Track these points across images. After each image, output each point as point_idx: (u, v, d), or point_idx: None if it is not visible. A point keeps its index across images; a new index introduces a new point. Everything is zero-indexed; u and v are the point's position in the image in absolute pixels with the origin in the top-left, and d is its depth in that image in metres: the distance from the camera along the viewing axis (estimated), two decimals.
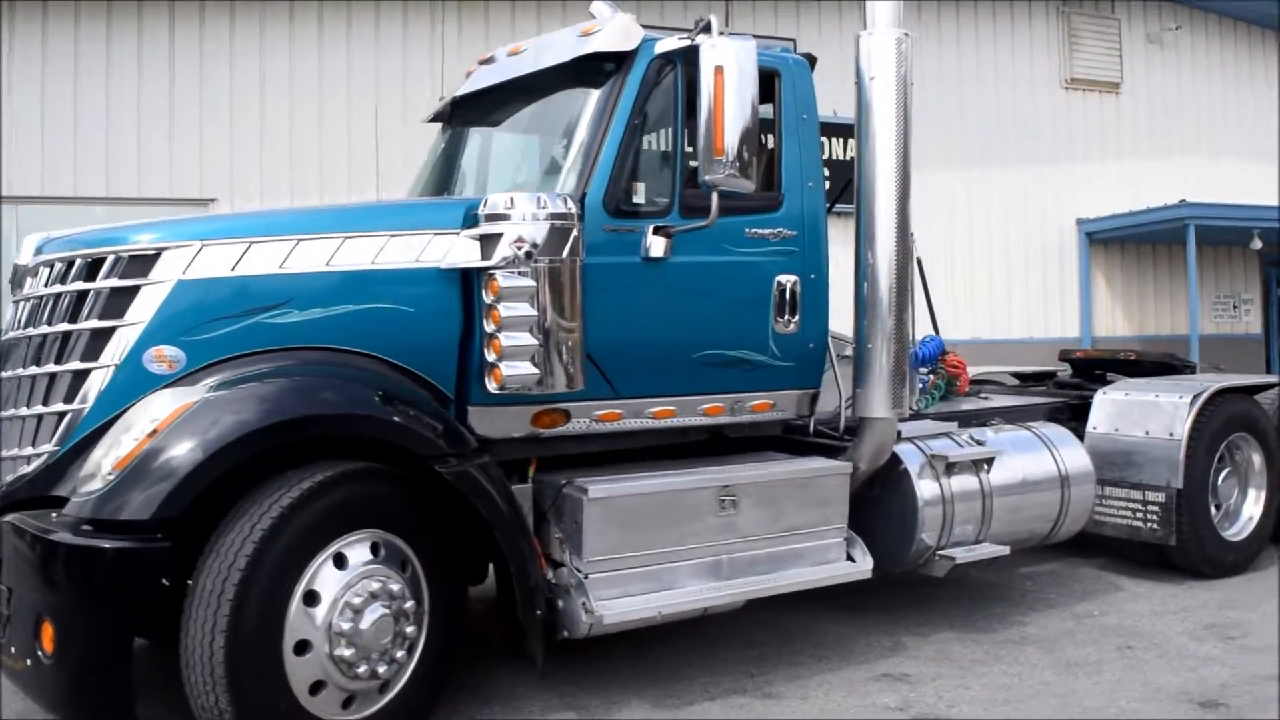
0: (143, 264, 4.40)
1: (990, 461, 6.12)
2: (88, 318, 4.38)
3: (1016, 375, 9.08)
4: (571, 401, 4.93)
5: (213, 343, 4.39)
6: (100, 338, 4.36)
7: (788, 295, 5.43)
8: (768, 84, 5.50)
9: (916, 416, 6.62)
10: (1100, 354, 8.87)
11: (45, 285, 4.54)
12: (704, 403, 5.32)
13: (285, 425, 4.08)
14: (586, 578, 4.80)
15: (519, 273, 4.54)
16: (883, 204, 5.61)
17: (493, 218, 4.60)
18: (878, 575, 6.08)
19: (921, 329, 8.34)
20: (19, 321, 4.66)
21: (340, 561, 4.21)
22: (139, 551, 3.84)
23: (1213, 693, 5.14)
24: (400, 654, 4.33)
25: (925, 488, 5.86)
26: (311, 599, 4.11)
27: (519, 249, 4.53)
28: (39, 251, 4.65)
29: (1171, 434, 7.03)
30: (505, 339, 4.53)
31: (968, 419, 6.81)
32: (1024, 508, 6.29)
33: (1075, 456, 6.60)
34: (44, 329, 4.48)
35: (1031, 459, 6.41)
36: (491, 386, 4.59)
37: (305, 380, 4.28)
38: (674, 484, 5.08)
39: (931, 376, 7.24)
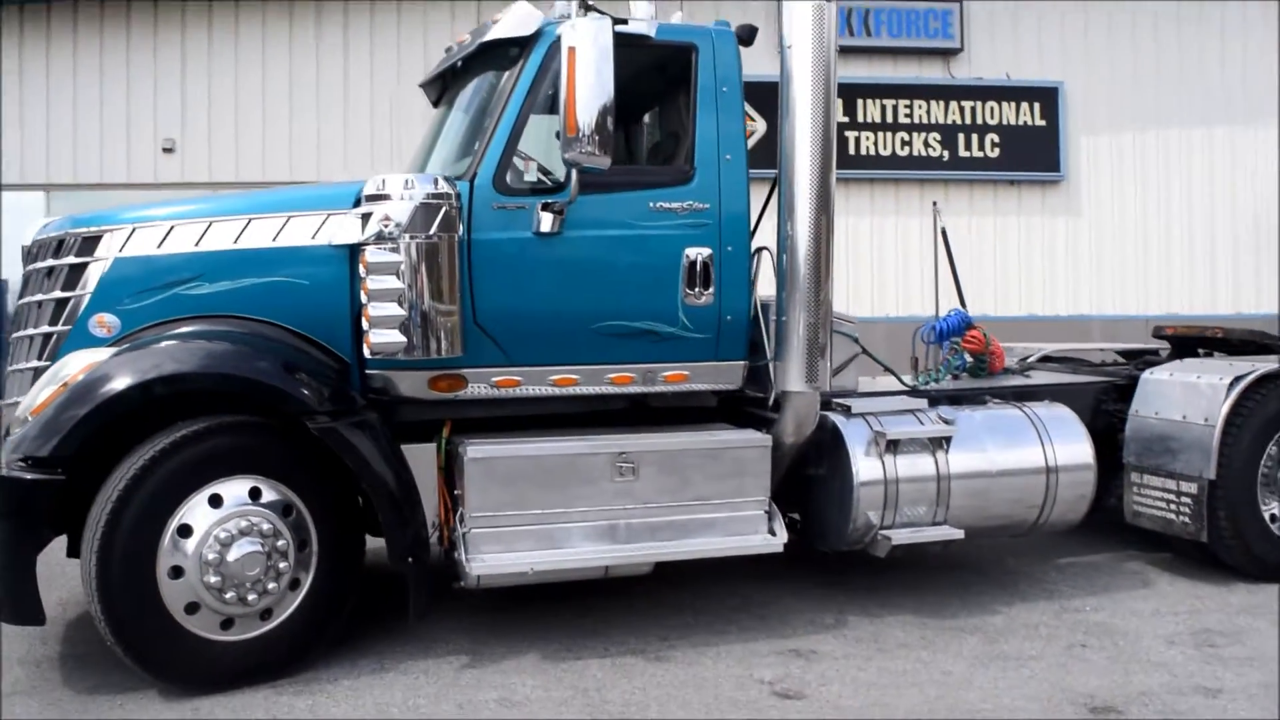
0: (90, 244, 5.21)
1: (947, 441, 5.89)
2: (53, 289, 5.25)
3: (1120, 352, 8.45)
4: (466, 368, 5.31)
5: (142, 311, 5.13)
6: (61, 306, 5.21)
7: (698, 268, 5.50)
8: (683, 58, 5.60)
9: (916, 393, 6.49)
10: (1189, 330, 8.07)
11: (36, 262, 5.45)
12: (610, 372, 5.51)
13: (157, 381, 4.73)
14: (469, 532, 5.17)
15: (387, 249, 4.96)
16: (801, 175, 5.54)
17: (371, 198, 5.04)
18: (828, 552, 6.08)
19: (949, 302, 8.07)
20: (24, 292, 5.60)
21: (215, 501, 4.81)
22: (34, 482, 4.61)
23: (1123, 701, 4.78)
24: (274, 586, 4.88)
25: (864, 465, 5.75)
26: (185, 531, 4.74)
27: (385, 226, 4.95)
28: (38, 234, 5.57)
29: (1206, 419, 6.41)
30: (373, 309, 4.97)
31: (969, 397, 6.56)
32: (993, 491, 6.00)
33: (1069, 442, 6.19)
34: (35, 297, 5.38)
35: (1008, 442, 6.09)
36: (366, 353, 5.05)
37: (190, 344, 4.91)
38: (561, 448, 5.33)
39: (946, 351, 7.00)
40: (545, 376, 5.44)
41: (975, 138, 13.54)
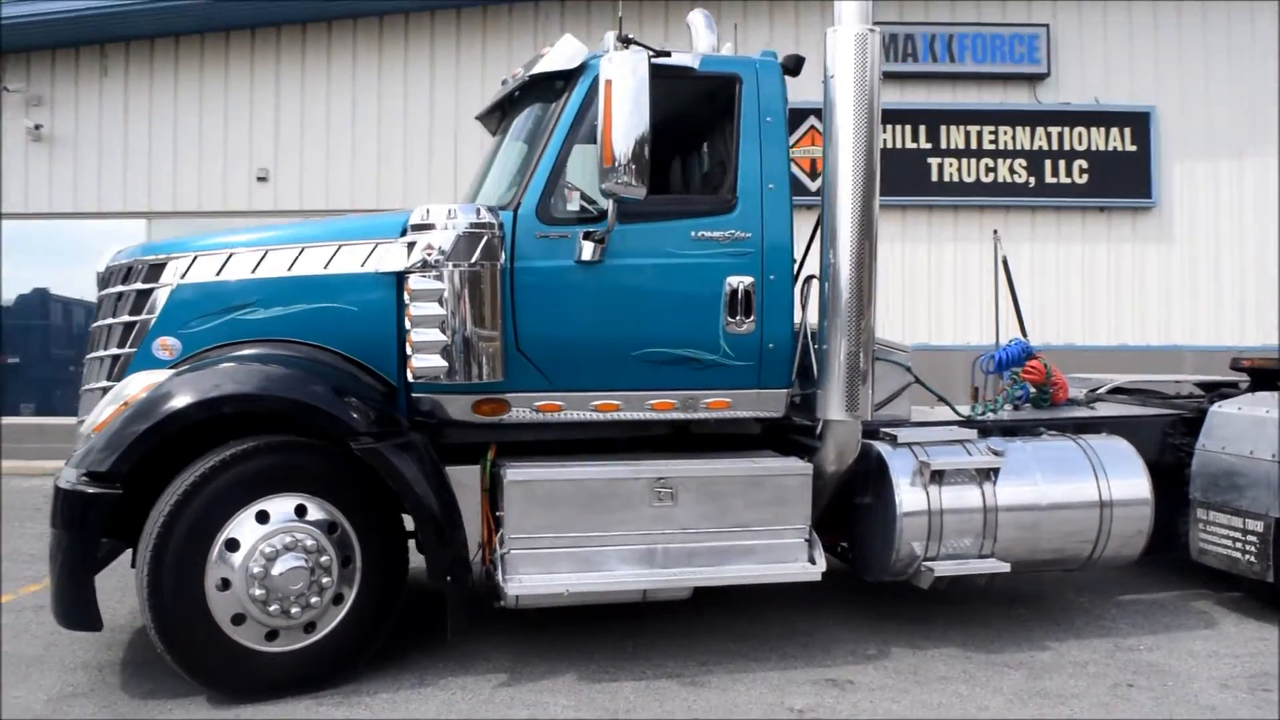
0: (156, 271, 5.50)
1: (994, 473, 5.81)
2: (122, 313, 5.55)
3: (1199, 384, 8.19)
4: (508, 393, 5.44)
5: (201, 335, 5.39)
6: (129, 329, 5.51)
7: (740, 296, 5.54)
8: (727, 89, 5.67)
9: (969, 423, 6.42)
10: (1266, 361, 7.77)
11: (108, 287, 5.76)
12: (651, 398, 5.58)
13: (209, 402, 4.95)
14: (508, 553, 5.28)
15: (431, 276, 5.12)
16: (844, 203, 5.52)
17: (417, 227, 5.22)
18: (872, 581, 6.04)
19: (1010, 332, 7.96)
20: (97, 315, 5.93)
21: (263, 517, 5.02)
22: (93, 496, 4.87)
23: None
24: (316, 600, 5.06)
25: (908, 496, 5.71)
26: (233, 545, 4.95)
27: (429, 254, 5.12)
28: (111, 261, 5.89)
29: (1273, 455, 6.20)
30: (416, 334, 5.14)
31: (1024, 428, 6.45)
32: (1043, 525, 5.88)
33: (1124, 476, 6.04)
34: (106, 321, 5.70)
35: (1060, 475, 5.97)
36: (409, 377, 5.22)
37: (242, 367, 5.13)
38: (600, 473, 5.42)
39: (1006, 381, 6.90)
40: (587, 402, 5.54)
41: (1063, 164, 13.28)
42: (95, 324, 5.80)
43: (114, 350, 5.54)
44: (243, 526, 4.99)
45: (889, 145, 13.16)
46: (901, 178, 13.21)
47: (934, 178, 13.25)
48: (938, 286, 13.43)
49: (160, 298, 5.46)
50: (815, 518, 5.85)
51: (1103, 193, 13.26)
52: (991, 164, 13.27)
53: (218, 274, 5.44)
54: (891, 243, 13.36)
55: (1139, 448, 6.75)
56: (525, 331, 5.40)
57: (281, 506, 5.06)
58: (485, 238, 5.16)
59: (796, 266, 6.09)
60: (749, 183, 5.62)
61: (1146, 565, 7.50)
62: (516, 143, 5.88)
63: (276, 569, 4.97)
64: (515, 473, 5.32)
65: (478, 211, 5.20)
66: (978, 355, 7.34)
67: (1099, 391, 7.87)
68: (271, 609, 4.98)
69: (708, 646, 5.86)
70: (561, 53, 5.53)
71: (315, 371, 5.23)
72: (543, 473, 5.36)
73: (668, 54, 5.52)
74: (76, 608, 4.93)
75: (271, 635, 5.05)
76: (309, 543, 5.06)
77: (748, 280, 5.57)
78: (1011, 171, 13.29)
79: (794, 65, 5.87)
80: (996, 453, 5.92)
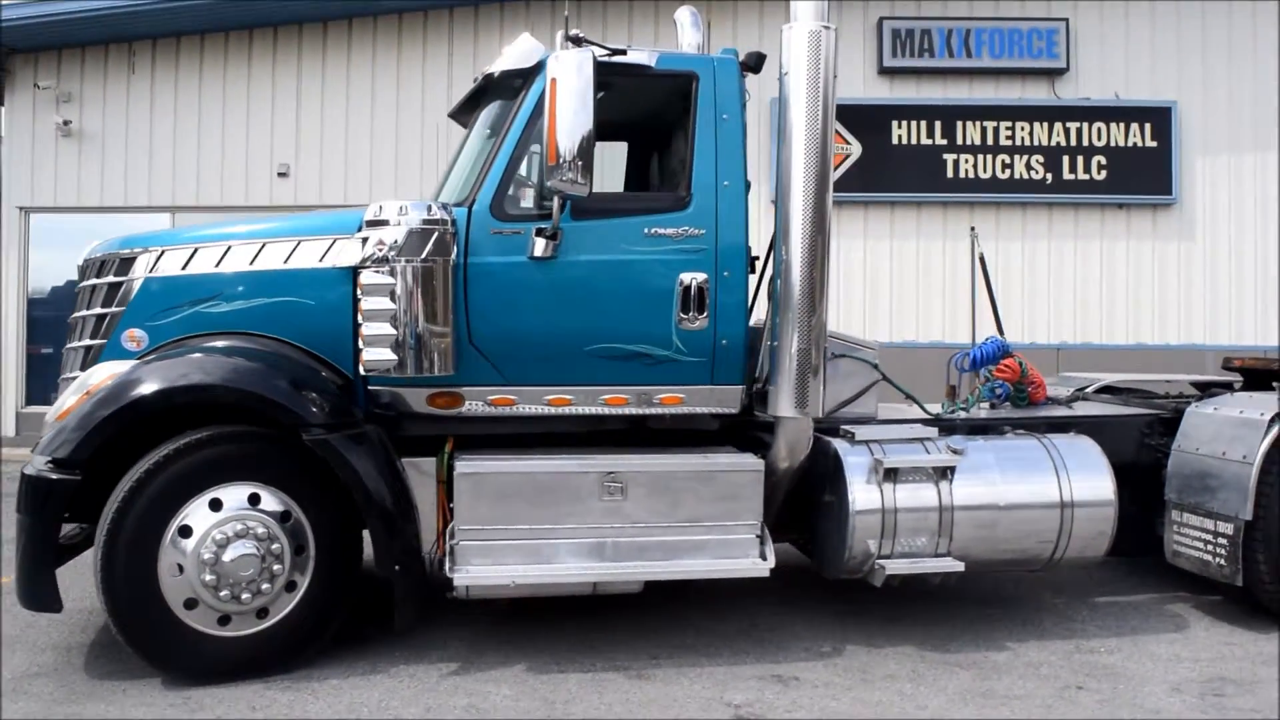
0: (127, 265, 5.66)
1: (951, 471, 5.79)
2: (95, 305, 5.73)
3: (1195, 384, 8.08)
4: (462, 386, 5.53)
5: (167, 327, 5.55)
6: (101, 321, 5.68)
7: (693, 293, 5.58)
8: (684, 87, 5.70)
9: (937, 421, 6.41)
10: (1258, 362, 7.63)
11: (83, 280, 5.94)
12: (604, 393, 5.63)
13: (163, 393, 5.09)
14: (458, 544, 5.38)
15: (382, 271, 5.22)
16: (796, 199, 5.52)
17: (371, 223, 5.32)
18: (832, 579, 6.04)
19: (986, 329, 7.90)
20: (75, 306, 6.10)
21: (216, 505, 5.15)
22: (54, 481, 5.04)
23: None
24: (267, 586, 5.18)
25: (861, 494, 5.71)
26: (185, 532, 5.09)
27: (379, 249, 5.22)
28: (88, 254, 6.07)
29: (1244, 456, 6.11)
30: (367, 328, 5.24)
31: (992, 427, 6.42)
32: (1001, 524, 5.84)
33: (1087, 476, 5.98)
34: (82, 312, 5.87)
35: (1021, 474, 5.93)
36: (362, 369, 5.33)
37: (197, 360, 5.26)
38: (550, 466, 5.48)
39: (980, 380, 6.86)
40: (540, 396, 5.60)
41: (1081, 160, 13.11)
42: (73, 315, 5.98)
43: (87, 341, 5.72)
44: (196, 514, 5.12)
45: (905, 141, 13.09)
46: (917, 174, 13.14)
47: (949, 174, 13.13)
48: (953, 284, 13.30)
49: (129, 290, 5.62)
50: (773, 514, 5.89)
51: (1122, 189, 13.07)
52: (1008, 160, 13.14)
53: (183, 268, 5.59)
54: (905, 239, 13.31)
55: (1116, 448, 6.71)
56: (478, 326, 5.48)
57: (235, 495, 5.19)
58: (436, 234, 5.25)
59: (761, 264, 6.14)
60: (704, 180, 5.64)
61: (1129, 567, 7.48)
62: (477, 140, 5.95)
63: (227, 555, 5.10)
64: (465, 465, 5.40)
65: (429, 208, 5.29)
66: (952, 354, 7.28)
67: (1086, 391, 7.80)
68: (222, 594, 5.12)
69: (664, 640, 5.91)
70: (518, 51, 5.61)
71: (270, 363, 5.35)
72: (492, 465, 5.45)
73: (623, 52, 5.58)
74: (36, 590, 5.10)
75: (224, 620, 5.18)
76: (260, 530, 5.18)
77: (701, 277, 5.59)
78: (1029, 168, 13.14)
79: (755, 62, 5.88)
80: (956, 451, 5.89)
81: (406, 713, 4.90)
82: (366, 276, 5.25)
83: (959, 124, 13.14)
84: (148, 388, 5.09)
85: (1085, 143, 13.10)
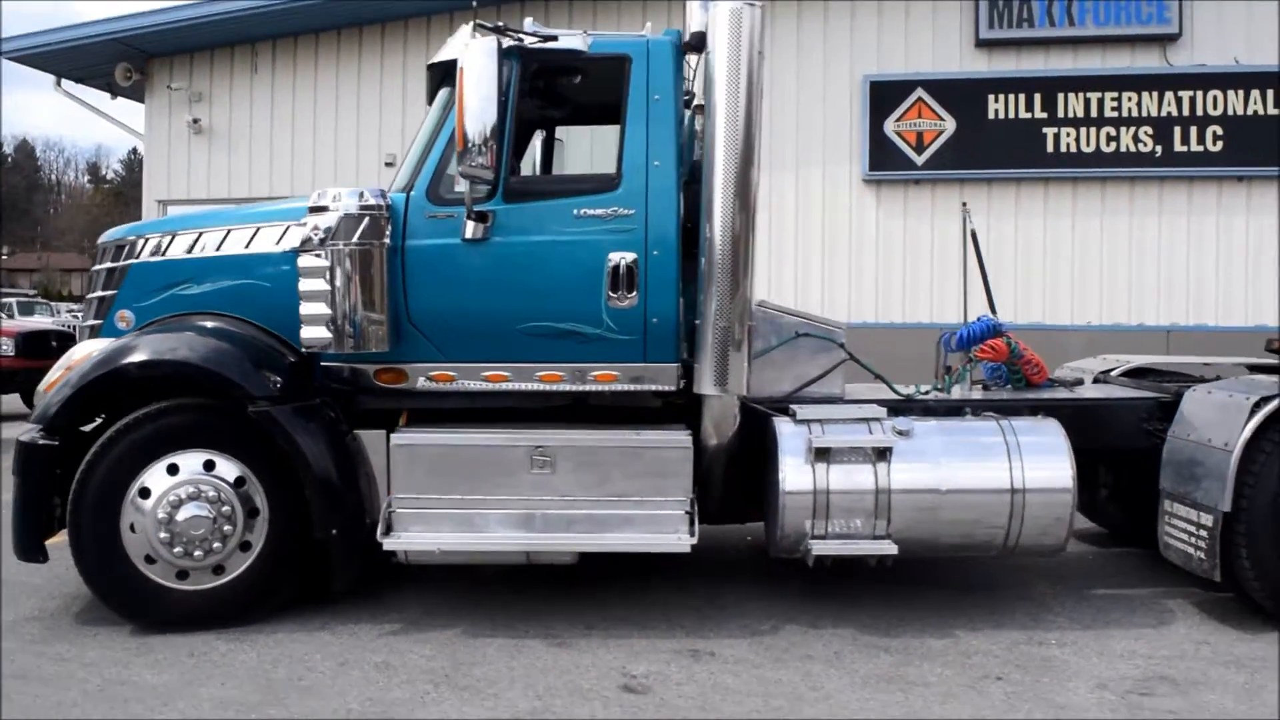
0: (121, 251, 6.24)
1: (889, 453, 5.68)
2: (98, 288, 6.34)
3: (1251, 369, 7.55)
4: (404, 363, 5.83)
5: (149, 308, 6.09)
6: (102, 303, 6.29)
7: (623, 272, 5.67)
8: (618, 69, 5.79)
9: (909, 402, 6.31)
10: None
11: (95, 265, 6.57)
12: (540, 370, 5.80)
13: (124, 367, 5.61)
14: (394, 512, 5.70)
15: (318, 254, 5.58)
16: (720, 177, 5.52)
17: (313, 209, 5.67)
18: (774, 557, 6.03)
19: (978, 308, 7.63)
20: (88, 289, 6.74)
21: (173, 469, 5.63)
22: (38, 446, 5.64)
23: None
24: (219, 545, 5.62)
25: (792, 473, 5.68)
26: (145, 493, 5.60)
27: (315, 234, 5.57)
28: (100, 240, 6.69)
29: (1226, 444, 5.72)
30: (304, 308, 5.61)
31: (957, 409, 6.24)
32: (944, 509, 5.69)
33: (1043, 461, 5.75)
34: (92, 294, 6.50)
35: (968, 458, 5.75)
36: (302, 346, 5.70)
37: (159, 337, 5.75)
38: (480, 439, 5.72)
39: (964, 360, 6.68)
40: (478, 373, 5.83)
41: (1194, 130, 12.27)
42: (87, 296, 6.61)
43: (93, 321, 6.33)
44: (154, 477, 5.62)
45: (1000, 116, 12.58)
46: (1015, 150, 12.63)
47: (1049, 149, 12.54)
48: (1054, 263, 12.72)
49: (122, 275, 6.19)
50: (718, 492, 5.98)
51: (1240, 161, 12.15)
52: (1114, 133, 12.43)
53: (163, 254, 6.11)
54: (1003, 219, 12.81)
55: (1115, 433, 6.45)
56: (416, 305, 5.75)
57: (191, 461, 5.66)
58: (368, 218, 5.56)
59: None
60: (634, 160, 5.72)
61: (1154, 559, 7.07)
62: (424, 128, 6.21)
63: (180, 515, 5.58)
64: (400, 437, 5.71)
65: (361, 194, 5.59)
66: (943, 333, 7.06)
67: (1110, 373, 7.43)
68: (176, 551, 5.60)
69: (610, 612, 6.05)
70: (454, 42, 5.83)
71: (225, 341, 5.78)
72: (426, 438, 5.73)
73: (554, 38, 5.73)
74: (25, 542, 5.72)
75: (182, 575, 5.67)
76: (211, 493, 5.63)
77: (630, 256, 5.68)
78: (1136, 140, 12.40)
79: (698, 43, 5.89)
80: (901, 433, 5.77)
81: (321, 665, 5.24)
82: (304, 260, 5.61)
83: (1060, 96, 12.51)
84: (105, 366, 5.63)
85: (1200, 112, 12.24)
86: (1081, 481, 7.55)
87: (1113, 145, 12.43)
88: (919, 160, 12.79)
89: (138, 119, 14.72)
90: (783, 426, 5.84)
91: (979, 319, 6.83)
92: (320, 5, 13.42)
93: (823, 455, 5.67)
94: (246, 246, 5.98)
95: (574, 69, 5.90)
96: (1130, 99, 12.37)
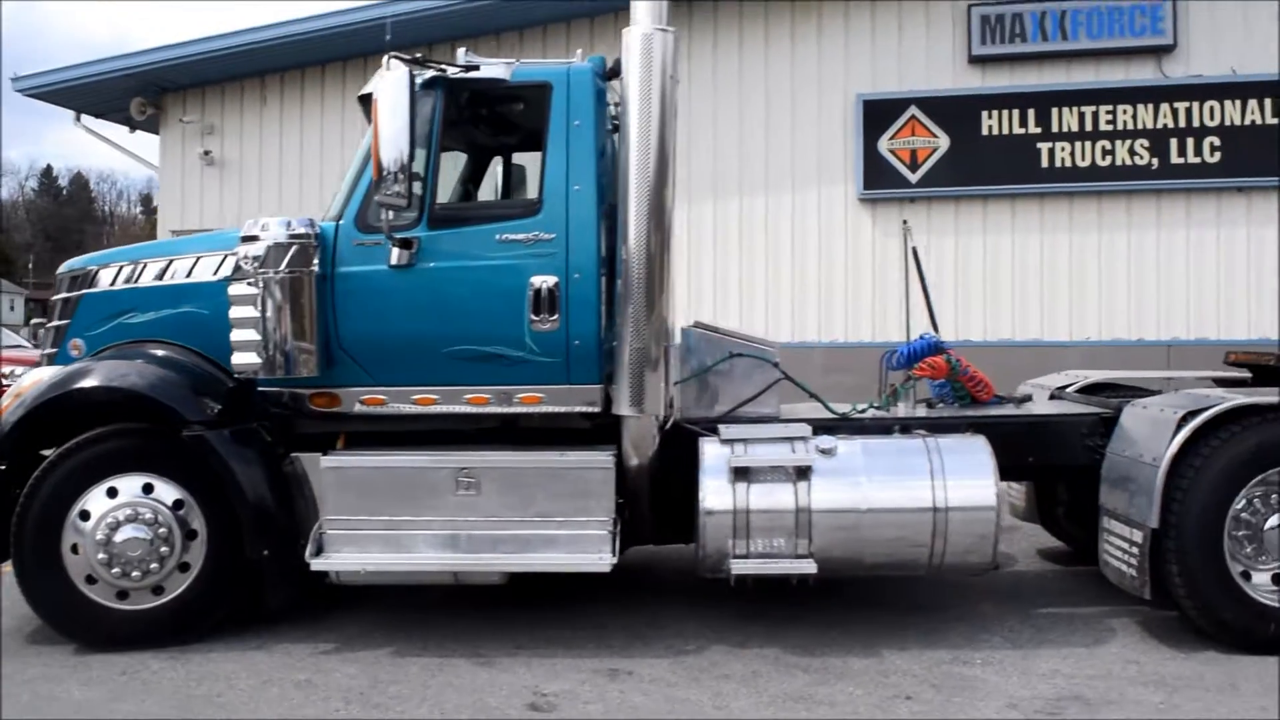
0: (75, 281, 6.47)
1: (809, 472, 5.70)
2: (55, 317, 6.57)
3: (1217, 380, 7.46)
4: (337, 387, 5.97)
5: (98, 337, 6.31)
6: (59, 332, 6.52)
7: (544, 295, 5.77)
8: (539, 96, 5.91)
9: (845, 420, 6.32)
10: (1248, 356, 6.92)
11: (54, 294, 6.81)
12: (467, 393, 5.91)
13: (64, 395, 5.82)
14: (325, 534, 5.83)
15: (247, 283, 5.74)
16: (635, 198, 5.59)
17: (244, 239, 5.84)
18: (701, 577, 6.06)
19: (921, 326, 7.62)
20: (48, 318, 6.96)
21: (112, 493, 5.82)
22: None
23: None
24: (156, 566, 5.79)
25: (712, 493, 5.72)
26: (85, 516, 5.79)
27: (244, 263, 5.75)
28: (59, 270, 6.92)
29: (1154, 459, 5.66)
30: (234, 335, 5.77)
31: (890, 426, 6.23)
32: (865, 527, 5.68)
33: (967, 479, 5.72)
34: (49, 323, 6.73)
35: (890, 477, 5.75)
36: (234, 372, 5.86)
37: (98, 366, 5.95)
38: (406, 462, 5.83)
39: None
40: (408, 396, 5.95)
41: (1191, 142, 12.11)
42: (46, 325, 6.85)
43: (49, 349, 6.56)
44: (94, 500, 5.81)
45: (994, 132, 12.53)
46: (1009, 166, 12.56)
47: (1044, 164, 12.45)
48: (1051, 279, 12.61)
49: (74, 305, 6.42)
50: (647, 512, 6.04)
51: (1239, 171, 11.97)
52: (1109, 146, 12.31)
53: (111, 284, 6.33)
54: (1000, 235, 12.74)
55: (1057, 450, 6.43)
56: (346, 331, 5.90)
57: (130, 484, 5.84)
58: (295, 247, 5.72)
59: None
60: (555, 185, 5.82)
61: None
62: (355, 158, 6.36)
63: (118, 537, 5.76)
64: (329, 460, 5.85)
65: (289, 224, 5.76)
66: (883, 352, 7.06)
67: (1068, 389, 7.38)
68: (114, 571, 5.77)
69: (542, 632, 6.12)
70: (379, 74, 5.97)
71: (163, 366, 5.97)
72: (354, 460, 5.86)
73: (475, 67, 5.86)
74: None
75: (123, 595, 5.84)
76: (149, 515, 5.80)
77: (552, 280, 5.77)
78: (1132, 153, 12.26)
79: (616, 69, 5.98)
80: (824, 451, 5.79)
81: (244, 684, 5.37)
82: (234, 288, 5.78)
83: (1054, 111, 12.41)
84: (46, 394, 5.84)
85: (1196, 123, 12.08)
86: (1040, 499, 7.64)
87: (1108, 159, 12.31)
88: (913, 179, 12.76)
89: (154, 152, 15.14)
90: (707, 446, 5.88)
91: (921, 337, 6.82)
92: (325, 38, 13.71)
93: (742, 474, 5.71)
94: (187, 276, 6.17)
95: (499, 97, 6.04)
96: (1125, 112, 12.25)
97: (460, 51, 6.15)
